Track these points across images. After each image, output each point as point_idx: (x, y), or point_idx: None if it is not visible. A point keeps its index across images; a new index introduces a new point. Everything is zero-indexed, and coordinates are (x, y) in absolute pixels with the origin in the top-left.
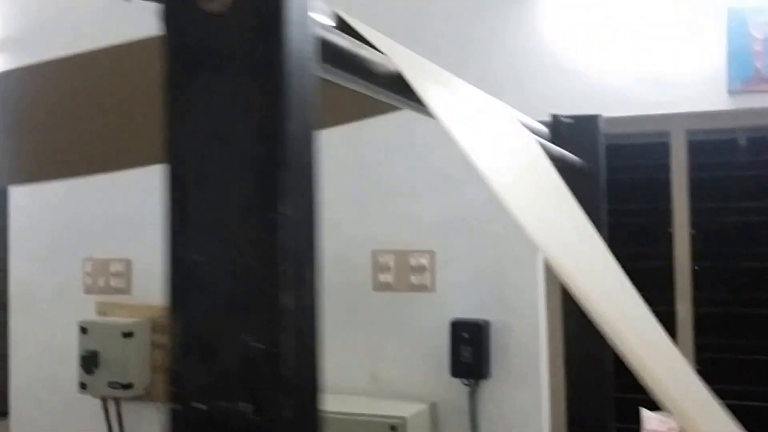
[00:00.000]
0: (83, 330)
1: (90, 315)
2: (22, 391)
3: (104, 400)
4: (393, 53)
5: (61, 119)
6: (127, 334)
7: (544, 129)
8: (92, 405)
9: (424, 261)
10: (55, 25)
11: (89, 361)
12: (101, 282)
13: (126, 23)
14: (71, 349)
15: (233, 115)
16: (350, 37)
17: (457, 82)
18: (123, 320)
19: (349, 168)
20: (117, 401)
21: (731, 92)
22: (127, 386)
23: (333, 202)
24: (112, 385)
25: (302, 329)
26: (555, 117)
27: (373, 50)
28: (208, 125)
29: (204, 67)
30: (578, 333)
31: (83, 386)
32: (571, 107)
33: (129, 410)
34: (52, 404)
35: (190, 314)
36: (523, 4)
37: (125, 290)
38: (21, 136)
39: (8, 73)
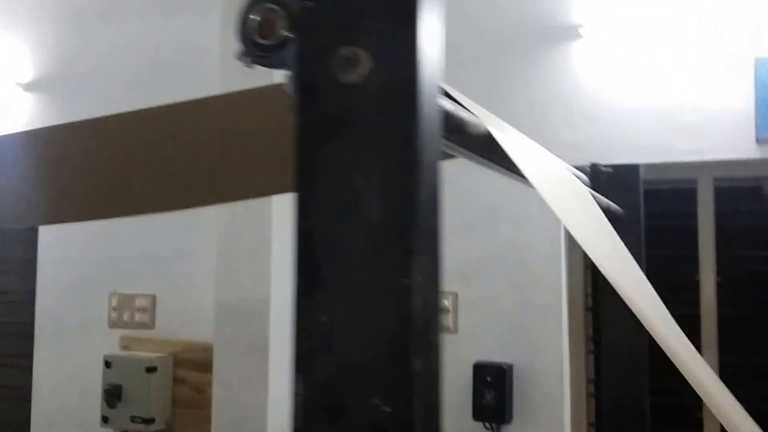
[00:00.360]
0: (107, 364)
1: (114, 349)
2: (43, 422)
3: None
4: (480, 114)
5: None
6: (151, 369)
7: (584, 177)
8: None
9: (447, 302)
10: (86, 66)
11: (112, 395)
12: (126, 316)
13: (159, 68)
14: (94, 382)
15: (365, 180)
16: (452, 101)
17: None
18: (147, 355)
19: None
20: None
21: (759, 141)
22: (149, 421)
23: None
24: (135, 419)
25: (430, 393)
26: (594, 166)
27: (464, 111)
28: (339, 190)
29: (337, 134)
30: (614, 376)
31: (105, 420)
32: (597, 153)
33: None
34: None
35: (316, 376)
36: (552, 51)
37: (149, 325)
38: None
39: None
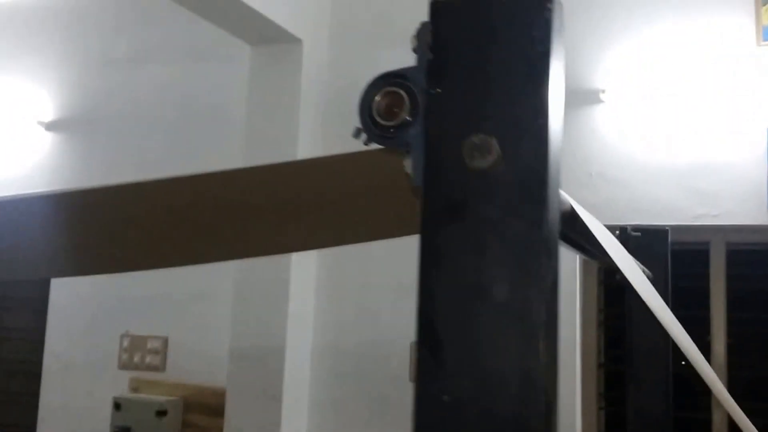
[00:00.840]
0: (117, 406)
1: (123, 391)
2: None
3: None
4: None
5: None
6: (161, 413)
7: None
8: None
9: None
10: (110, 108)
11: None
12: (137, 358)
13: (184, 114)
14: (102, 423)
15: (490, 264)
16: None
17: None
18: (157, 398)
19: (386, 258)
20: None
21: None
22: None
23: (371, 292)
24: None
25: None
26: (624, 230)
27: None
28: (464, 272)
29: (462, 218)
30: None
31: None
32: (614, 215)
33: None
34: None
35: None
36: (573, 114)
37: (160, 368)
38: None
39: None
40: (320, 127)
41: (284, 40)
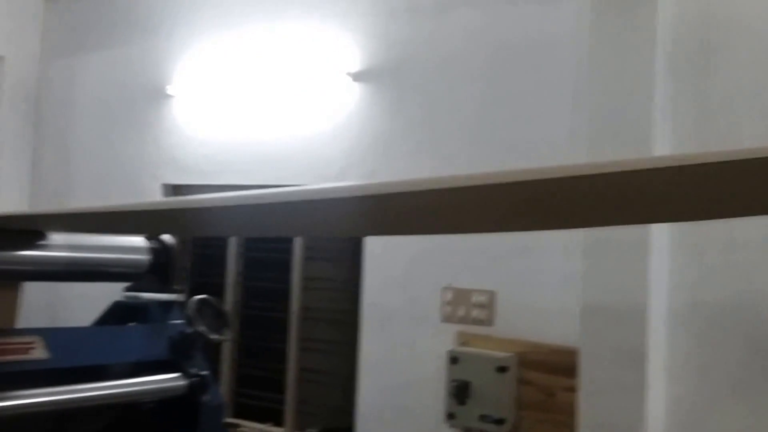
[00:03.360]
0: (453, 360)
1: (448, 344)
2: (369, 416)
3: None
4: None
5: None
6: (502, 368)
7: None
8: None
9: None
10: (418, 57)
11: (461, 392)
12: (462, 312)
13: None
14: (427, 375)
15: None
16: None
17: None
18: (496, 353)
19: None
20: None
21: None
22: (500, 421)
23: (736, 248)
24: (485, 418)
25: None
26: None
27: None
28: None
29: None
30: None
31: (451, 416)
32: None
33: None
34: (397, 428)
35: None
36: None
37: (488, 322)
38: None
39: None
40: (671, 69)
41: None
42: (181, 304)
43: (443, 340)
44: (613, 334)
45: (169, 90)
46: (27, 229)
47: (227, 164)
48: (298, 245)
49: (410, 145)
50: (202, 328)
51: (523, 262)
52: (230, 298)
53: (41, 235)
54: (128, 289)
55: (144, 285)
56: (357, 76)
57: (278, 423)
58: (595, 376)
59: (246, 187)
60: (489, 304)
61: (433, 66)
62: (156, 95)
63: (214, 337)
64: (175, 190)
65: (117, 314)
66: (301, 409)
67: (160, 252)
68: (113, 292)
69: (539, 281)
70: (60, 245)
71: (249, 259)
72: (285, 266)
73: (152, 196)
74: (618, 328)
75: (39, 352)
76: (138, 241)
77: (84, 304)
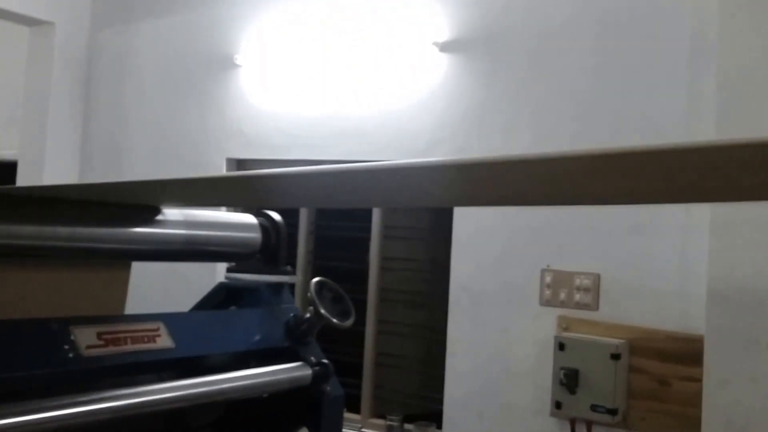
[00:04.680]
0: (561, 346)
1: (549, 329)
2: (457, 402)
3: (572, 422)
4: None
5: None
6: (616, 356)
7: None
8: (542, 425)
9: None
10: (510, 26)
11: (572, 380)
12: (563, 295)
13: (607, 29)
14: (525, 361)
15: None
16: None
17: None
18: (608, 340)
19: None
20: (589, 425)
21: None
22: (613, 411)
23: None
24: (596, 408)
25: None
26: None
27: None
28: None
29: None
30: None
31: (558, 406)
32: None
33: None
34: (489, 416)
35: None
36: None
37: (592, 306)
38: None
39: None
40: None
41: None
42: (291, 287)
43: (542, 325)
44: (744, 320)
45: (237, 59)
46: (140, 204)
47: (299, 138)
48: (375, 223)
49: (504, 120)
50: (325, 314)
51: (633, 241)
52: (300, 278)
53: (156, 211)
54: (230, 270)
55: (249, 266)
56: (444, 47)
57: (354, 409)
58: (722, 366)
59: (319, 162)
60: (593, 287)
61: (532, 35)
62: (221, 65)
63: (337, 322)
64: (239, 164)
65: (221, 297)
66: (378, 395)
67: (270, 230)
68: (188, 271)
69: (651, 263)
70: (177, 222)
71: (320, 238)
72: (357, 245)
73: (216, 171)
74: (750, 314)
75: (165, 340)
76: (248, 218)
77: (156, 283)
